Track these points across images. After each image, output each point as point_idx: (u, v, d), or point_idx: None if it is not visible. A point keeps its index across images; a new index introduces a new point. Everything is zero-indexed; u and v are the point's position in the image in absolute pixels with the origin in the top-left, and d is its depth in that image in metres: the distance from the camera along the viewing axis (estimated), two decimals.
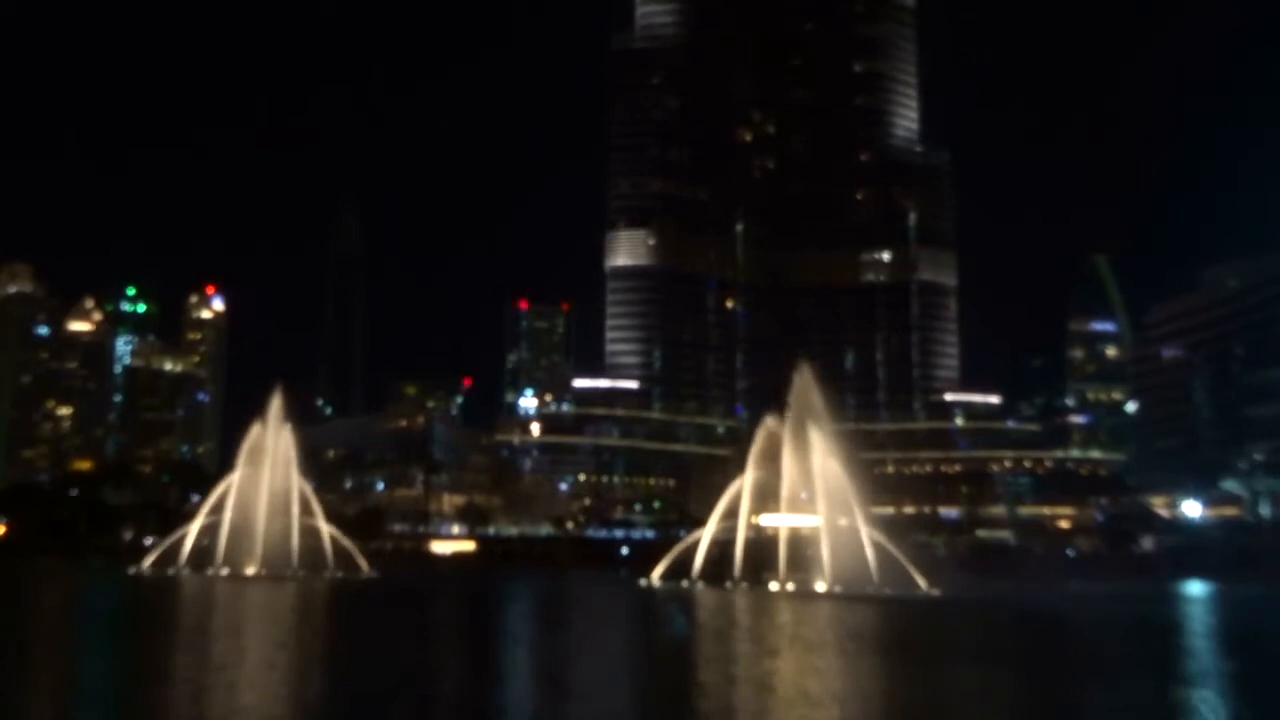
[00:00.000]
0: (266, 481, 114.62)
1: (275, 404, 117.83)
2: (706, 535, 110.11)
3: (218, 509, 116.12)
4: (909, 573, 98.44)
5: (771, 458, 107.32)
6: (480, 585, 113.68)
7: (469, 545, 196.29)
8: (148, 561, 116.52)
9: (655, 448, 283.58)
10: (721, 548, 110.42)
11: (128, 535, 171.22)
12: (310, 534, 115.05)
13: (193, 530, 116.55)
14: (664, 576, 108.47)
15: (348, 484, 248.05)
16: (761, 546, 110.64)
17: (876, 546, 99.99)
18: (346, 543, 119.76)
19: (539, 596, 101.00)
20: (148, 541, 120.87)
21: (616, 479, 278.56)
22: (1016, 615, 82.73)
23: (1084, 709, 36.57)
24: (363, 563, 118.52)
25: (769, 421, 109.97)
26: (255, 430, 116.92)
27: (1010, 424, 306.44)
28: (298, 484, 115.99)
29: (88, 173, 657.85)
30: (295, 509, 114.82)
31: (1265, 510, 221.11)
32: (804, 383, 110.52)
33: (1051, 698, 38.02)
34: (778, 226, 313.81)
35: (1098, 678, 43.90)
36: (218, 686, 37.38)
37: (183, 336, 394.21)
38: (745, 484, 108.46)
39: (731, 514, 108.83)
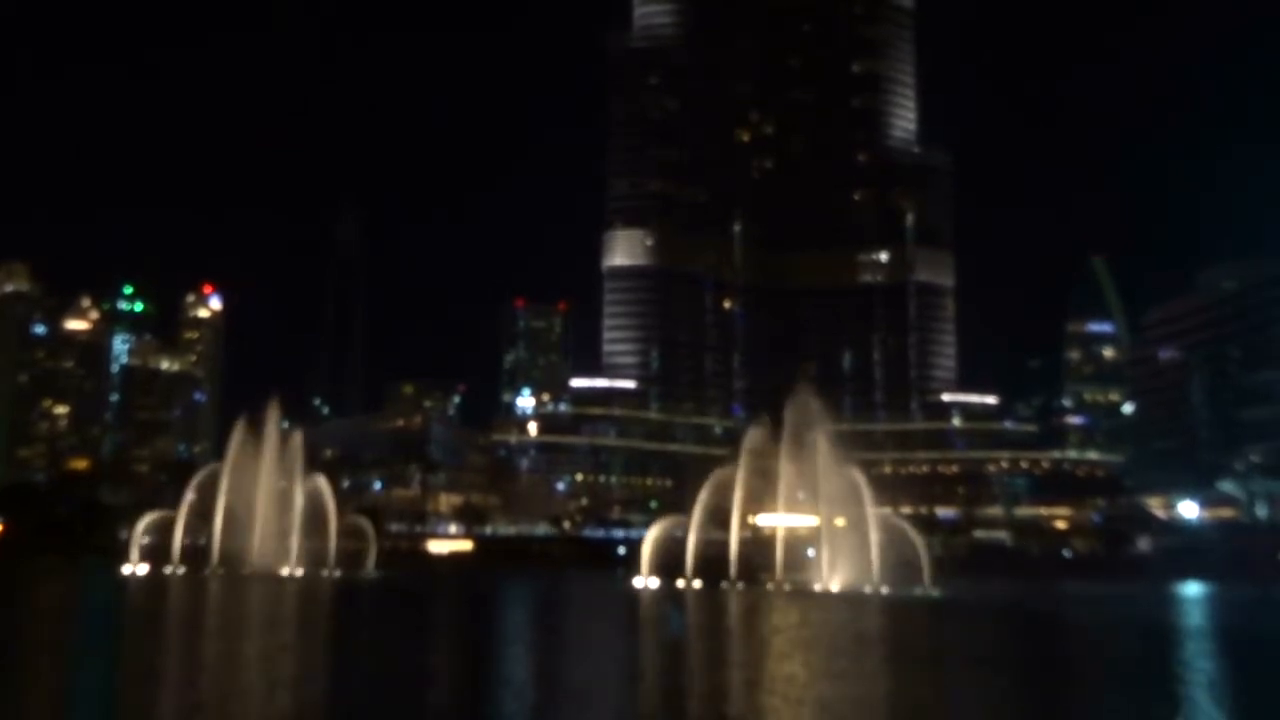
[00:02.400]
0: (264, 479, 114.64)
1: (273, 404, 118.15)
2: (692, 534, 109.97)
3: (203, 510, 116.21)
4: (907, 573, 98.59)
5: (761, 458, 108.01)
6: (480, 585, 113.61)
7: (466, 545, 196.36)
8: (134, 558, 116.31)
9: (652, 448, 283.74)
10: (716, 547, 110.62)
11: (124, 534, 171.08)
12: (312, 533, 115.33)
13: (178, 526, 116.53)
14: (660, 576, 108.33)
15: (345, 484, 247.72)
16: (758, 546, 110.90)
17: (881, 544, 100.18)
18: (369, 542, 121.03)
19: (537, 597, 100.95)
20: (144, 541, 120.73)
21: (613, 479, 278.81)
22: (1017, 617, 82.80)
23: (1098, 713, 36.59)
24: (370, 561, 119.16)
25: (757, 427, 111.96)
26: (240, 427, 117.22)
27: (1007, 425, 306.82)
28: (322, 483, 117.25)
29: (84, 171, 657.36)
30: (299, 504, 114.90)
31: (1261, 512, 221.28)
32: (803, 382, 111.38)
33: (1065, 704, 38.05)
34: (775, 227, 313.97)
35: (1108, 683, 43.96)
36: (212, 692, 37.31)
37: (180, 335, 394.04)
38: (737, 481, 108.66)
39: (715, 510, 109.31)
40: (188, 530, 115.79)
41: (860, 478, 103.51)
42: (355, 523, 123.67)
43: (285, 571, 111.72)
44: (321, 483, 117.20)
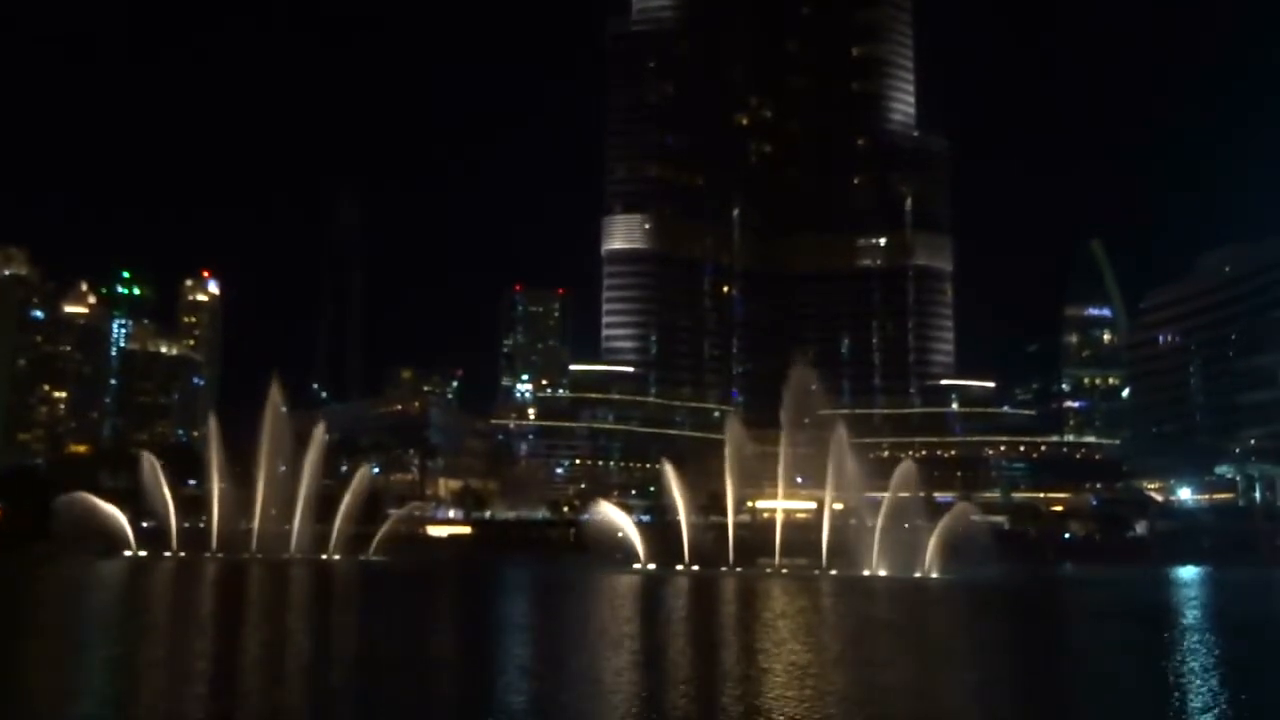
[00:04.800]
0: (265, 465, 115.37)
1: (274, 389, 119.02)
2: (682, 519, 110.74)
3: (196, 501, 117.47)
4: (905, 556, 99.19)
5: (741, 446, 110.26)
6: (480, 569, 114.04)
7: (465, 529, 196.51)
8: (128, 546, 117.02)
9: (651, 432, 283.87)
10: (716, 531, 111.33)
11: (124, 519, 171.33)
12: (314, 518, 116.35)
13: (171, 512, 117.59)
14: (658, 561, 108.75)
15: (343, 468, 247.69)
16: (757, 531, 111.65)
17: (873, 529, 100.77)
18: (402, 526, 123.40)
19: (538, 582, 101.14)
20: (144, 525, 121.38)
21: (612, 463, 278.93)
22: (1014, 599, 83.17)
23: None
24: (373, 546, 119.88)
25: (734, 417, 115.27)
26: (212, 418, 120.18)
27: (1005, 409, 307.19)
28: (364, 474, 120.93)
29: (82, 156, 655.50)
30: (303, 491, 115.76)
31: (1258, 495, 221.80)
32: (800, 372, 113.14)
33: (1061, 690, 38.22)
34: (774, 212, 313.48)
35: (1113, 664, 44.23)
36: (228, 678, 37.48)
37: (178, 320, 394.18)
38: (727, 468, 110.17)
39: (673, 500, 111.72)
40: (145, 515, 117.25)
41: (910, 466, 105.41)
42: (410, 513, 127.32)
43: (286, 556, 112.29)
44: (364, 473, 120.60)
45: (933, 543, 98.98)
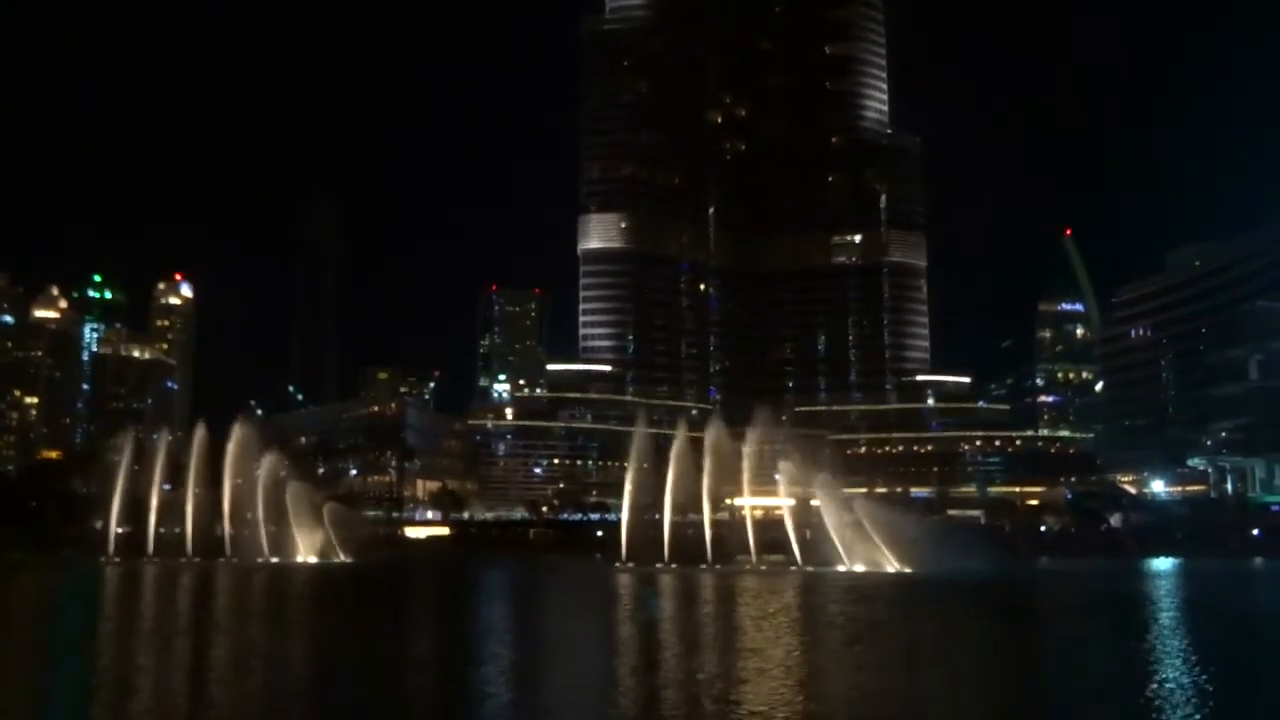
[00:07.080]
0: (229, 478, 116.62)
1: (242, 419, 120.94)
2: (668, 518, 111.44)
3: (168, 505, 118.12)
4: (877, 552, 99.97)
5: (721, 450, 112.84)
6: (459, 572, 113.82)
7: (444, 530, 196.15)
8: (104, 552, 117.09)
9: (629, 431, 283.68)
10: (693, 529, 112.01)
11: (98, 524, 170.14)
12: (282, 521, 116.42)
13: (152, 519, 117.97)
14: (638, 560, 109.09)
15: (320, 470, 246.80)
16: (735, 528, 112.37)
17: (849, 525, 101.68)
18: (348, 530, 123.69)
19: (522, 583, 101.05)
20: (119, 530, 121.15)
21: (590, 463, 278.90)
22: (991, 593, 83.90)
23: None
24: (340, 549, 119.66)
25: (713, 419, 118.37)
26: (199, 431, 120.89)
27: (981, 404, 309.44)
28: (297, 486, 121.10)
29: (51, 158, 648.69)
30: (260, 497, 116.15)
31: (1229, 486, 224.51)
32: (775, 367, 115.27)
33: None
34: (749, 210, 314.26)
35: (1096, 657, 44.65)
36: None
37: (151, 323, 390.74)
38: (707, 472, 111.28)
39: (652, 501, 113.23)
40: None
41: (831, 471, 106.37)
42: (337, 511, 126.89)
43: (260, 560, 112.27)
44: (296, 488, 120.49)
45: (884, 540, 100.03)
